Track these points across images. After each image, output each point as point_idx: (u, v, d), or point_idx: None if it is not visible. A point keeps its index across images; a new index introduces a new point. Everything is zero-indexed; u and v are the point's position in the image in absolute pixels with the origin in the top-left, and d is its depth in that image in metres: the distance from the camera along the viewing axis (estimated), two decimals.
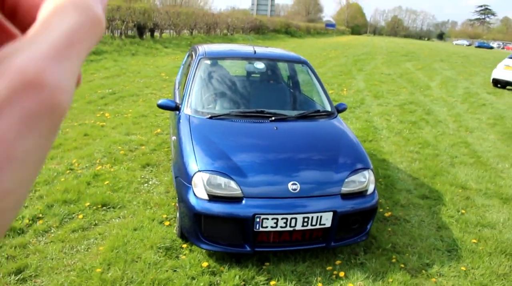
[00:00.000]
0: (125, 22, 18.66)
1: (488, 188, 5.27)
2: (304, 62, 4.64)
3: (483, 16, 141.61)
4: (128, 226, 3.65)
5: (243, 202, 3.00)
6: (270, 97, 4.46)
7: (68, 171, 4.86)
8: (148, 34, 20.96)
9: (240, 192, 3.01)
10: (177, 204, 3.49)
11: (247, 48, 4.68)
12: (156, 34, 21.79)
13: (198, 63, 4.15)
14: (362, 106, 9.70)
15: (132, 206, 4.11)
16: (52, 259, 3.19)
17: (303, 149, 3.50)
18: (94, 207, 4.01)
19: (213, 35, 28.72)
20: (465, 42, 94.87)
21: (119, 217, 3.88)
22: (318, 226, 3.11)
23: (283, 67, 4.94)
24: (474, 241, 3.91)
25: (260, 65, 4.63)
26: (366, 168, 3.42)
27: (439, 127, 8.28)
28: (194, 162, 3.14)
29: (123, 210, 4.03)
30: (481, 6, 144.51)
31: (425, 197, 4.86)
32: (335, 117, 4.11)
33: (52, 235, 3.51)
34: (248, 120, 3.70)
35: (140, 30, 20.10)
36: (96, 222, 3.78)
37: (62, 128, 6.45)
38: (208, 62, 4.29)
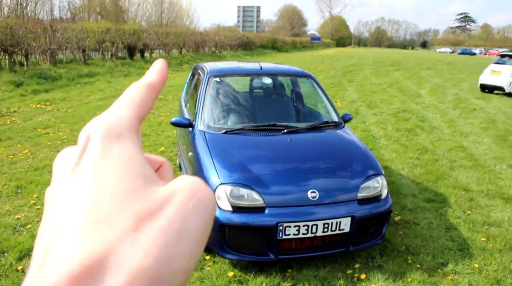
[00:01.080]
0: (115, 44, 18.83)
1: (489, 189, 5.44)
2: (309, 76, 4.81)
3: (463, 24, 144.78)
4: None
5: (266, 211, 3.12)
6: (280, 111, 4.61)
7: None
8: (138, 55, 21.14)
9: (263, 202, 3.12)
10: None
11: (253, 65, 4.85)
12: (146, 54, 21.99)
13: (207, 81, 4.29)
14: (357, 117, 9.89)
15: None
16: None
17: (317, 158, 3.65)
18: None
19: (201, 53, 29.02)
20: (448, 49, 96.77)
21: None
22: (337, 232, 3.22)
23: (289, 82, 5.11)
24: (484, 239, 4.06)
25: (268, 80, 4.80)
26: (378, 174, 3.56)
27: (435, 133, 8.49)
28: (216, 175, 3.25)
29: None
30: (461, 14, 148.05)
31: (430, 200, 5.01)
32: (343, 127, 4.27)
33: None
34: (262, 134, 3.84)
35: (130, 51, 20.29)
36: None
37: None
38: (218, 79, 4.44)
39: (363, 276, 3.31)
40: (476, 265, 3.60)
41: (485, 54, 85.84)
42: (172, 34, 24.03)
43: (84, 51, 16.97)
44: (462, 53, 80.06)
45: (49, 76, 13.20)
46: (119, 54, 20.03)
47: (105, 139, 0.27)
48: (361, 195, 3.37)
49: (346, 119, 4.45)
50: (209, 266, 3.37)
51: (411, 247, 3.87)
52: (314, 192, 3.22)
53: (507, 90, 14.28)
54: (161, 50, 23.79)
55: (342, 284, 3.21)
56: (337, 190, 3.36)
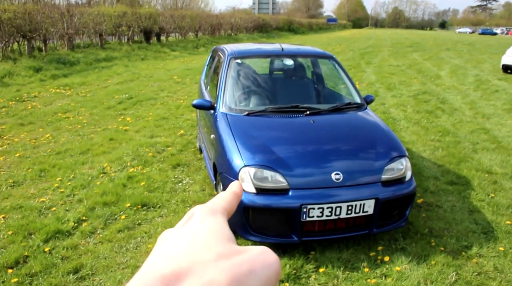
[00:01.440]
0: (131, 28, 18.83)
1: None
2: (331, 57, 4.74)
3: (484, 3, 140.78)
4: (172, 224, 3.77)
5: (290, 193, 3.11)
6: (301, 92, 4.57)
7: (101, 175, 5.00)
8: (154, 38, 21.13)
9: (287, 184, 3.12)
10: None
11: (274, 46, 4.80)
12: (163, 38, 21.97)
13: (228, 63, 4.26)
14: (377, 99, 9.76)
15: (171, 204, 4.24)
16: (105, 258, 3.32)
17: (341, 140, 3.62)
18: (135, 208, 4.13)
19: (217, 36, 28.87)
20: (468, 30, 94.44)
21: (161, 216, 4.00)
22: (361, 214, 3.21)
23: (309, 63, 5.05)
24: (508, 222, 3.99)
25: (289, 61, 4.75)
26: (402, 156, 3.52)
27: (456, 115, 8.35)
28: (239, 157, 3.25)
29: (163, 209, 4.15)
30: None
31: (453, 183, 4.94)
32: (365, 108, 4.21)
33: (100, 235, 3.64)
34: (284, 116, 3.82)
35: (147, 35, 20.28)
36: (139, 221, 3.91)
37: (87, 134, 6.61)
38: (239, 61, 4.41)
39: (386, 258, 3.29)
40: (501, 248, 3.55)
41: (507, 34, 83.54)
42: (188, 17, 23.91)
43: (101, 35, 17.02)
44: (482, 33, 78.09)
45: (67, 61, 13.31)
46: (135, 38, 20.05)
47: (204, 214, 0.38)
48: (385, 176, 3.34)
49: (368, 101, 4.39)
50: None
51: (434, 230, 3.84)
52: (338, 174, 3.20)
53: None
54: (177, 34, 23.73)
55: (365, 266, 3.20)
56: (361, 172, 3.34)
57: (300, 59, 5.01)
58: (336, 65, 4.68)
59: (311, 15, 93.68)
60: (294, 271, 3.10)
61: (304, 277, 3.07)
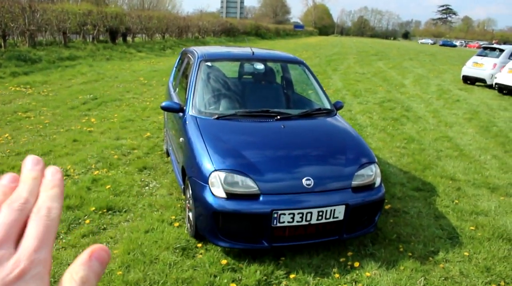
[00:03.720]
0: (96, 27, 18.38)
1: (475, 178, 5.50)
2: (301, 63, 4.74)
3: (445, 16, 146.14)
4: (139, 229, 3.65)
5: (260, 198, 3.07)
6: (272, 97, 4.54)
7: (64, 177, 4.77)
8: (120, 38, 20.70)
9: (257, 189, 3.07)
10: (188, 204, 3.52)
11: (244, 50, 4.76)
12: (129, 38, 21.55)
13: (199, 66, 4.19)
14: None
15: (138, 209, 4.11)
16: (69, 265, 3.16)
17: (311, 145, 3.60)
18: (100, 212, 3.98)
19: (184, 38, 28.61)
20: (430, 41, 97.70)
21: (127, 220, 3.87)
22: (331, 220, 3.20)
23: (279, 68, 5.03)
24: (472, 228, 4.10)
25: (260, 66, 4.71)
26: (372, 162, 3.54)
27: (420, 123, 8.56)
28: (209, 161, 3.18)
29: (129, 213, 4.02)
30: (443, 6, 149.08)
31: (419, 189, 5.04)
32: (335, 114, 4.23)
33: (63, 241, 3.48)
34: (254, 120, 3.77)
35: (112, 34, 19.83)
36: (105, 226, 3.76)
37: (49, 134, 6.35)
38: (209, 64, 4.34)
39: (356, 264, 3.30)
40: (466, 253, 3.63)
41: (465, 46, 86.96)
42: (155, 18, 23.59)
43: (64, 33, 16.51)
44: (443, 44, 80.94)
45: (28, 59, 12.81)
46: (101, 38, 19.57)
47: None
48: (355, 183, 3.34)
49: (337, 107, 4.42)
50: (201, 253, 3.31)
51: (402, 235, 3.88)
52: (309, 180, 3.18)
53: (488, 83, 14.47)
54: (143, 35, 23.34)
55: (336, 272, 3.19)
56: (331, 178, 3.33)
57: (270, 64, 4.98)
58: (306, 71, 4.69)
59: (278, 21, 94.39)
60: (265, 277, 3.05)
61: (274, 283, 3.03)
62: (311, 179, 3.18)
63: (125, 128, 6.96)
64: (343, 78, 14.91)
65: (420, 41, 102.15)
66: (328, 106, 4.33)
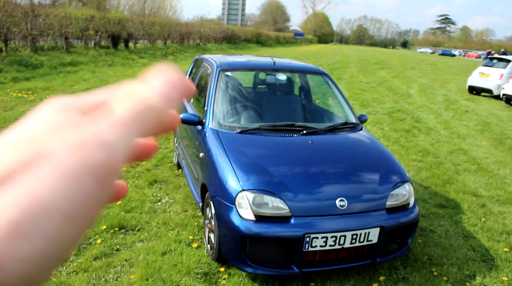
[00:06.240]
0: (99, 33, 18.20)
1: (499, 194, 5.29)
2: (324, 74, 4.54)
3: (443, 25, 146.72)
4: (155, 250, 3.42)
5: (292, 221, 2.84)
6: (295, 110, 4.33)
7: None
8: (122, 44, 20.52)
9: (288, 210, 2.85)
10: (209, 224, 3.30)
11: (265, 59, 4.55)
12: (131, 44, 21.37)
13: (218, 76, 3.97)
14: None
15: (152, 227, 3.87)
16: None
17: (342, 163, 3.39)
18: (111, 230, 3.74)
19: (186, 45, 28.46)
20: (429, 50, 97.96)
21: (142, 240, 3.63)
22: (365, 243, 2.98)
23: (302, 78, 4.81)
24: (506, 249, 3.88)
25: (283, 76, 4.50)
26: (405, 181, 3.33)
27: (432, 134, 8.36)
28: (235, 179, 2.95)
29: (143, 232, 3.78)
30: (442, 15, 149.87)
31: (442, 206, 4.82)
32: (361, 129, 4.02)
33: (74, 264, 3.23)
34: (279, 135, 3.55)
35: (114, 40, 19.65)
36: (118, 246, 3.53)
37: None
38: (229, 74, 4.12)
39: None
40: (505, 278, 3.41)
41: (464, 56, 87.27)
42: (158, 24, 23.43)
43: (66, 38, 16.32)
44: (442, 54, 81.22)
45: (30, 64, 12.59)
46: (103, 43, 19.38)
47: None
48: (389, 203, 3.13)
49: (362, 120, 4.22)
50: (224, 279, 3.07)
51: (433, 257, 3.66)
52: (343, 200, 2.96)
53: (495, 93, 14.34)
54: (145, 41, 23.17)
55: None
56: (365, 198, 3.11)
57: (291, 74, 4.77)
58: (330, 82, 4.48)
59: (278, 29, 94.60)
60: None
61: None
62: (345, 200, 2.96)
63: None
64: (349, 88, 14.72)
65: (419, 50, 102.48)
66: (353, 120, 4.12)
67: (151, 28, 22.62)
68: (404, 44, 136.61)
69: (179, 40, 27.21)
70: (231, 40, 37.80)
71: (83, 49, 17.10)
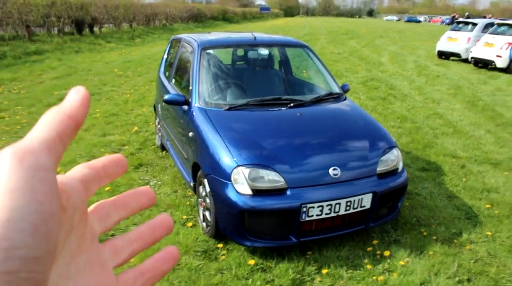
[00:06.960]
0: (61, 19, 17.58)
1: (476, 155, 5.48)
2: (305, 46, 4.54)
3: None
4: None
5: (288, 192, 2.89)
6: (279, 83, 4.34)
7: None
8: (87, 29, 19.90)
9: (284, 182, 2.89)
10: (203, 202, 3.31)
11: (246, 35, 4.51)
12: (96, 29, 20.75)
13: (200, 55, 3.92)
14: None
15: (144, 210, 3.86)
16: None
17: (331, 133, 3.44)
18: None
19: (152, 26, 27.82)
20: (395, 17, 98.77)
21: (135, 224, 3.63)
22: (359, 209, 3.06)
23: (281, 52, 4.80)
24: (488, 206, 4.05)
25: (264, 51, 4.48)
26: (393, 146, 3.41)
27: (408, 101, 8.53)
28: (230, 156, 2.97)
29: (136, 216, 3.77)
30: None
31: (424, 169, 4.97)
32: (345, 99, 4.07)
33: None
34: (267, 109, 3.57)
35: (79, 26, 19.02)
36: (112, 231, 3.50)
37: None
38: (211, 52, 4.08)
39: (386, 253, 3.18)
40: (489, 233, 3.57)
41: (429, 21, 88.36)
42: (122, 7, 22.77)
43: (28, 26, 15.71)
44: (408, 20, 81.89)
45: None
46: (67, 30, 18.75)
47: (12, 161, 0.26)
48: (380, 169, 3.21)
49: (345, 90, 4.27)
50: (223, 255, 3.12)
51: (421, 218, 3.80)
52: (336, 169, 3.02)
53: (463, 57, 14.64)
54: (111, 24, 22.53)
55: (367, 262, 3.07)
56: (357, 166, 3.18)
57: (273, 49, 4.75)
58: (311, 54, 4.50)
59: (243, 4, 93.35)
60: (298, 275, 2.89)
61: (308, 280, 2.87)
62: (338, 168, 3.02)
63: (110, 124, 6.62)
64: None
65: (385, 18, 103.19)
66: (337, 90, 4.17)
67: (116, 11, 21.99)
68: (370, 13, 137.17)
69: (145, 22, 26.57)
70: (197, 18, 37.13)
71: (46, 37, 16.52)
